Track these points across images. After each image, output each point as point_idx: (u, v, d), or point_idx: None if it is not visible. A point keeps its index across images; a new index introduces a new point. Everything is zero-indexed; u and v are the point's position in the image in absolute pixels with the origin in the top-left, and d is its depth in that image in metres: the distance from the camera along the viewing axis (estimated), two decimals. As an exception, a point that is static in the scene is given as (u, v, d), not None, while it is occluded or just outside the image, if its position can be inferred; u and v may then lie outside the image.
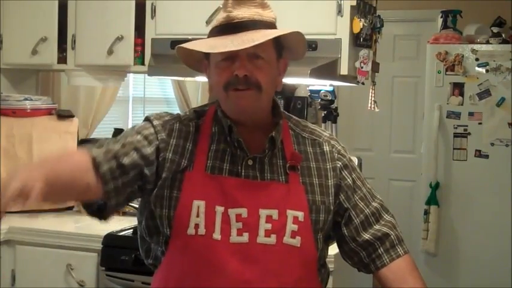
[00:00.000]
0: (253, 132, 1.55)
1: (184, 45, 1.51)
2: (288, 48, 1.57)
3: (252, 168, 1.52)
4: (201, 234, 1.46)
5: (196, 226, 1.46)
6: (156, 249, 1.56)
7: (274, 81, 1.55)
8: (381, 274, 1.58)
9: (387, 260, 1.57)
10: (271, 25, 1.52)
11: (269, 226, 1.47)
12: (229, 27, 1.48)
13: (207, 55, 1.54)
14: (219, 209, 1.47)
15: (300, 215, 1.49)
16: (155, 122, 1.56)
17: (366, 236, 1.58)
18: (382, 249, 1.58)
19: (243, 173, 1.51)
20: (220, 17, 1.51)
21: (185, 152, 1.53)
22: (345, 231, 1.58)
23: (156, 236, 1.53)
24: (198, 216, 1.47)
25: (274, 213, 1.48)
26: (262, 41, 1.43)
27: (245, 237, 1.46)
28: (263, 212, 1.47)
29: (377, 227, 1.59)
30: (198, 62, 1.59)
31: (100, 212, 1.51)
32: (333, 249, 1.76)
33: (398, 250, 1.59)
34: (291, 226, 1.48)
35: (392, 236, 1.59)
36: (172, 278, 1.50)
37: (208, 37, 1.53)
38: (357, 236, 1.58)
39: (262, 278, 1.45)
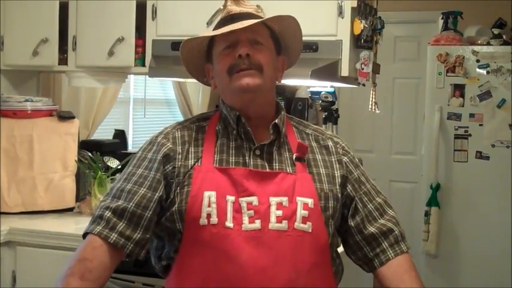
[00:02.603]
0: (258, 125, 1.58)
1: (188, 39, 1.59)
2: (284, 51, 1.65)
3: (260, 158, 1.56)
4: (213, 223, 1.48)
5: (209, 216, 1.48)
6: (169, 250, 1.56)
7: (275, 70, 1.61)
8: (380, 272, 1.59)
9: (392, 254, 1.59)
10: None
11: (280, 213, 1.49)
12: (229, 19, 1.57)
13: (208, 59, 1.62)
14: (230, 198, 1.49)
15: (310, 201, 1.52)
16: (158, 138, 1.60)
17: (372, 229, 1.60)
18: (386, 244, 1.60)
19: (251, 163, 1.54)
20: (221, 14, 1.61)
21: (190, 155, 1.56)
22: (352, 222, 1.61)
23: (172, 234, 1.54)
24: (209, 206, 1.49)
25: (284, 200, 1.50)
26: (259, 21, 1.53)
27: (257, 224, 1.48)
28: (273, 200, 1.50)
29: (382, 221, 1.62)
30: (198, 69, 1.67)
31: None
32: (334, 251, 1.76)
33: (402, 246, 1.61)
34: (301, 212, 1.50)
35: (396, 232, 1.62)
36: (188, 269, 1.51)
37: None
38: (363, 228, 1.60)
39: (277, 265, 1.46)
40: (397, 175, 5.43)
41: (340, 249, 1.66)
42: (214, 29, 1.60)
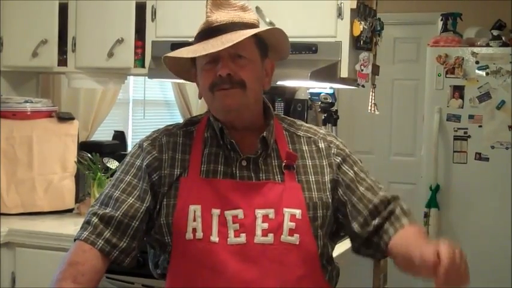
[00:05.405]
0: (245, 135, 1.57)
1: (169, 54, 1.55)
2: (273, 49, 1.59)
3: (246, 169, 1.53)
4: (198, 238, 1.48)
5: (194, 230, 1.48)
6: (163, 260, 1.57)
7: (260, 80, 1.57)
8: (390, 251, 1.54)
9: (392, 231, 1.54)
10: (253, 26, 1.54)
11: (266, 225, 1.48)
12: (210, 32, 1.51)
13: (194, 64, 1.58)
14: (215, 212, 1.48)
15: (297, 212, 1.49)
16: (145, 144, 1.59)
17: (375, 222, 1.56)
18: (387, 224, 1.55)
19: (237, 174, 1.53)
20: (202, 22, 1.54)
21: (176, 162, 1.55)
22: (355, 226, 1.56)
23: (163, 246, 1.54)
24: (194, 220, 1.48)
25: (271, 212, 1.49)
26: (240, 39, 1.45)
27: (243, 238, 1.47)
28: (259, 212, 1.48)
29: (385, 211, 1.57)
30: (186, 71, 1.63)
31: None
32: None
33: (402, 220, 1.55)
34: (288, 224, 1.48)
35: (397, 210, 1.57)
36: (177, 284, 1.51)
37: (193, 44, 1.55)
38: (367, 226, 1.56)
39: (263, 278, 1.46)
40: (396, 176, 5.42)
41: (337, 252, 1.65)
42: (195, 39, 1.55)
